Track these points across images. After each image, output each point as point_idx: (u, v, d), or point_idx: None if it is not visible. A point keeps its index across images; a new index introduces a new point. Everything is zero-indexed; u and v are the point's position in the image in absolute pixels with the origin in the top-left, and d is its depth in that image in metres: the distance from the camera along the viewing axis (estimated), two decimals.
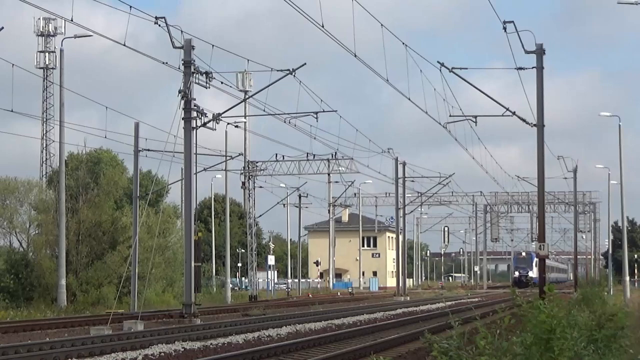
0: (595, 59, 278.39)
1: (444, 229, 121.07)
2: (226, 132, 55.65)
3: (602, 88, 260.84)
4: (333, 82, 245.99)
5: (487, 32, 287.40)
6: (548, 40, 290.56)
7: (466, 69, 31.67)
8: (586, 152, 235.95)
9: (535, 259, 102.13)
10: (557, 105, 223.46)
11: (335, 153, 59.96)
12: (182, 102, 33.65)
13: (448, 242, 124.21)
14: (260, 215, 71.21)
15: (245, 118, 75.70)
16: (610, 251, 74.71)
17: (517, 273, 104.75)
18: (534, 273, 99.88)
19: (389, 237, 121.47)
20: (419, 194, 77.10)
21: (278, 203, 76.89)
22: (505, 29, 28.29)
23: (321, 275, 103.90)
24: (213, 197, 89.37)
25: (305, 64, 36.15)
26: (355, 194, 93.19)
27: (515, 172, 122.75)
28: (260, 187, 65.01)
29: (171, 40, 32.92)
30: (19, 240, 52.25)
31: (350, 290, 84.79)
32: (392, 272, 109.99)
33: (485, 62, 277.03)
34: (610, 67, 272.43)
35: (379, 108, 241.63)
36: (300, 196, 77.49)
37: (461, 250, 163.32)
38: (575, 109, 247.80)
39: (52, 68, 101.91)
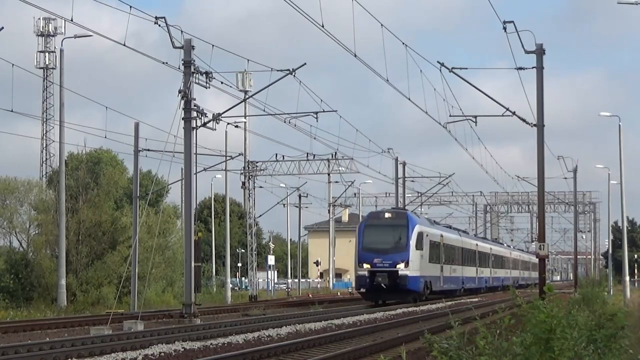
0: (597, 59, 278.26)
1: None
2: (226, 132, 55.63)
3: (604, 88, 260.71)
4: (333, 82, 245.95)
5: (487, 32, 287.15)
6: (549, 40, 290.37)
7: (466, 69, 31.75)
8: (586, 152, 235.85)
9: (416, 233, 48.43)
10: (558, 105, 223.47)
11: (335, 153, 60.03)
12: (182, 102, 33.63)
13: None
14: (260, 215, 71.24)
15: (245, 118, 75.66)
16: (610, 251, 74.61)
17: (366, 265, 46.27)
18: (410, 268, 46.70)
19: None
20: (419, 194, 77.03)
21: (278, 203, 76.91)
22: (505, 29, 28.34)
23: (321, 275, 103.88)
24: (213, 197, 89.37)
25: (305, 64, 36.16)
26: (355, 194, 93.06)
27: (516, 172, 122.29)
28: (260, 187, 65.03)
29: (171, 40, 32.92)
30: (19, 240, 52.39)
31: (350, 290, 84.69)
32: None
33: (486, 62, 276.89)
34: (612, 67, 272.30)
35: (379, 108, 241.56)
36: (300, 196, 77.53)
37: None
38: (576, 109, 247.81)
39: (52, 68, 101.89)
